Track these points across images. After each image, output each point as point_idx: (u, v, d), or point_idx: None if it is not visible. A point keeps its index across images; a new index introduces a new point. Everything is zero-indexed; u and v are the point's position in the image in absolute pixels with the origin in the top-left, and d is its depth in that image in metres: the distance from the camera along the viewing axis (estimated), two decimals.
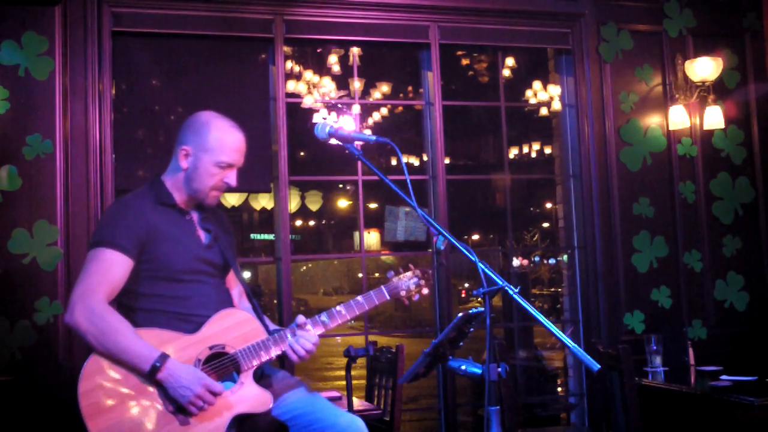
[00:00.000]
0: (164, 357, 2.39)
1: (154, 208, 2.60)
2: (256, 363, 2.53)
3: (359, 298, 2.70)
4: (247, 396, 2.49)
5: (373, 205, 12.97)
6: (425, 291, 2.79)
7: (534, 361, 6.48)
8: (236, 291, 2.83)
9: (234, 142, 2.67)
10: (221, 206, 2.92)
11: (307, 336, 2.59)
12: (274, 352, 2.56)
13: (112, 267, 2.47)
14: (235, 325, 2.55)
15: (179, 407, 2.40)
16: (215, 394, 2.41)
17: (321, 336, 2.65)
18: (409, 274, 2.78)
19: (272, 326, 2.70)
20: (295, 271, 20.59)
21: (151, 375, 2.37)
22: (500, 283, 2.12)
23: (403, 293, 2.75)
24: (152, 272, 2.54)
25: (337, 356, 12.22)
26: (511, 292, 2.12)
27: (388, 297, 2.72)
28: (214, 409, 2.42)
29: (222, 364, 2.51)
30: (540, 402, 5.76)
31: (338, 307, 2.68)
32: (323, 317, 2.65)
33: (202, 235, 2.68)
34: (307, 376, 10.89)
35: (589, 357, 2.04)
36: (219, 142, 2.63)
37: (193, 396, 2.38)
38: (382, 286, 2.74)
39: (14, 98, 4.05)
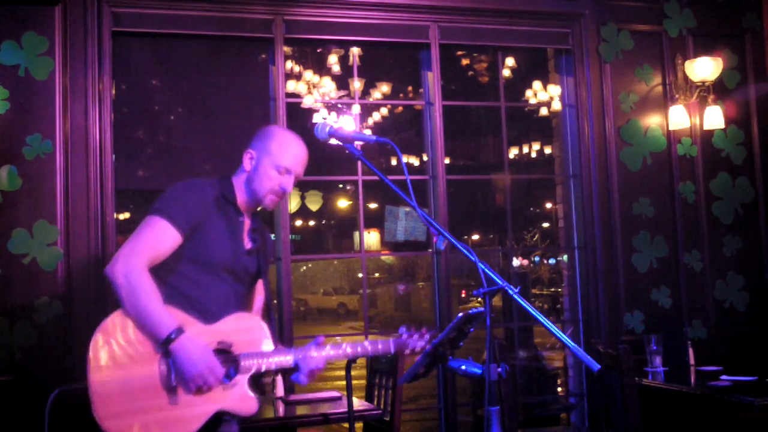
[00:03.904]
0: (181, 330, 2.51)
1: (216, 200, 2.73)
2: (254, 369, 2.62)
3: (366, 342, 2.78)
4: (236, 395, 2.59)
5: (373, 205, 12.98)
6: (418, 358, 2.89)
7: (534, 361, 6.47)
8: (259, 300, 2.93)
9: (295, 150, 2.75)
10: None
11: (312, 356, 2.68)
12: (275, 363, 2.65)
13: (162, 236, 2.59)
14: (247, 330, 2.67)
15: (174, 387, 2.51)
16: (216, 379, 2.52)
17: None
18: (417, 336, 2.80)
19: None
20: (295, 271, 20.57)
21: (165, 343, 2.48)
22: (500, 283, 2.12)
23: (407, 351, 2.81)
24: (192, 254, 2.66)
25: None
26: (511, 292, 2.12)
27: (392, 351, 2.78)
28: (202, 398, 2.53)
29: (223, 361, 2.59)
30: (540, 402, 5.76)
31: (344, 344, 2.76)
32: (328, 347, 2.73)
33: (247, 241, 2.79)
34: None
35: (589, 357, 2.04)
36: (280, 147, 2.74)
37: (197, 373, 2.49)
38: (391, 340, 2.81)
39: (14, 98, 4.05)
